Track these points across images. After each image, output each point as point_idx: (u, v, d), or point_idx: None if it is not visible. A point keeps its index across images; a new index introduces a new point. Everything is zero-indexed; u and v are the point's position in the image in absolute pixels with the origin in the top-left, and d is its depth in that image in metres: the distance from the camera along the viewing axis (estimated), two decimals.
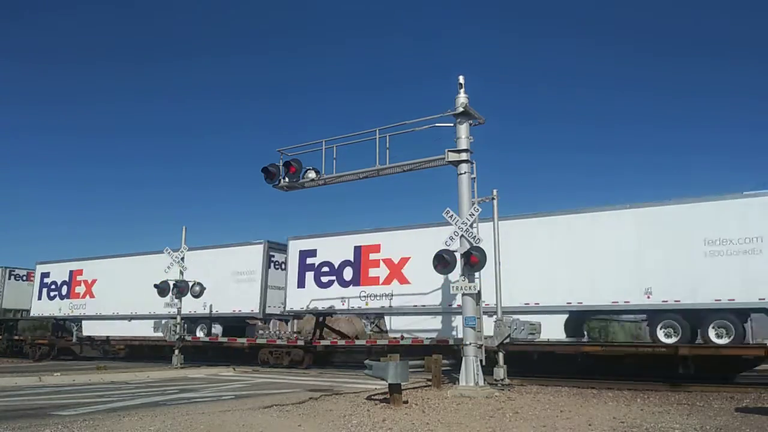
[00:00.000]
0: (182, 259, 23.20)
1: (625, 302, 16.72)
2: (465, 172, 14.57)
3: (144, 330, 26.34)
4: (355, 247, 21.52)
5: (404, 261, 20.37)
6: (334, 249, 21.89)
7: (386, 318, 21.36)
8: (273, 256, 24.62)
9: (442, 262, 14.44)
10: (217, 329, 25.25)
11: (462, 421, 9.71)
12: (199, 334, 25.18)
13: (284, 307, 23.24)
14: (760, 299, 15.09)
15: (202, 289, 23.32)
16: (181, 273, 23.24)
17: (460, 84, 14.73)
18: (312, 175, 16.92)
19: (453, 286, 14.59)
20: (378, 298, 20.65)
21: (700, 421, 9.53)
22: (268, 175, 17.39)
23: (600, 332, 18.70)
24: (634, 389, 14.28)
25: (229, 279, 24.63)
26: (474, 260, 13.96)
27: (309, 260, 22.69)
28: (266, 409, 10.78)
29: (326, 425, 9.24)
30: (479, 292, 14.36)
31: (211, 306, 24.68)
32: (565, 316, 17.68)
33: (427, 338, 18.87)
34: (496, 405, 11.58)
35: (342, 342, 22.69)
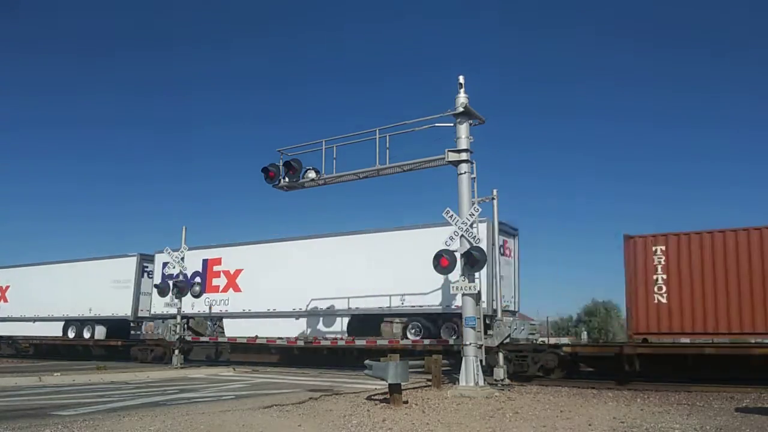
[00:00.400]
0: (182, 259, 23.22)
1: (386, 307, 20.11)
2: (465, 172, 14.57)
3: (52, 331, 29.90)
4: (203, 260, 25.06)
5: (238, 272, 24.08)
6: (188, 261, 24.04)
7: (224, 321, 24.41)
8: (146, 266, 27.89)
9: (442, 261, 14.42)
10: (100, 331, 28.62)
11: (462, 421, 9.71)
12: (86, 335, 28.74)
13: (149, 311, 26.67)
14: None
15: (202, 289, 23.41)
16: (181, 273, 23.27)
17: (460, 84, 14.72)
18: (312, 175, 16.93)
19: (453, 286, 14.59)
20: (218, 303, 24.32)
21: (700, 421, 9.52)
22: (268, 175, 17.40)
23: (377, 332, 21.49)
24: (634, 389, 14.29)
25: (110, 286, 27.94)
26: (474, 260, 13.95)
27: (168, 271, 25.02)
28: (266, 409, 10.78)
29: (326, 425, 9.24)
30: (479, 292, 14.38)
31: (91, 308, 28.53)
32: (348, 317, 21.12)
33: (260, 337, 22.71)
34: (496, 405, 11.58)
35: (205, 339, 25.50)
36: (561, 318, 55.13)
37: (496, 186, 16.28)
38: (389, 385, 11.48)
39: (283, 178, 17.31)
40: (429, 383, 14.66)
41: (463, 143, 14.66)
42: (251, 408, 10.98)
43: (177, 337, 23.16)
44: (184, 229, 23.65)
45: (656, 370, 15.87)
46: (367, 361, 12.25)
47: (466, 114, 14.68)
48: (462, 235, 14.23)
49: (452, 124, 14.86)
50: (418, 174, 16.46)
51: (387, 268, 20.33)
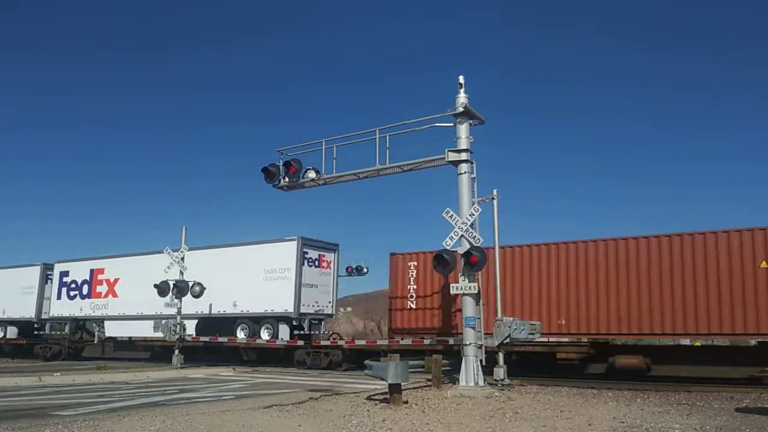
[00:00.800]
0: (182, 259, 23.22)
1: (223, 311, 24.29)
2: (465, 172, 14.56)
3: None
4: (90, 270, 29.55)
5: (116, 281, 28.49)
6: (79, 270, 29.74)
7: (105, 322, 28.64)
8: (50, 274, 31.72)
9: (442, 262, 14.43)
10: (12, 330, 32.68)
11: (462, 421, 9.71)
12: (0, 334, 32.81)
13: (49, 314, 30.85)
14: (285, 310, 22.66)
15: (202, 289, 23.42)
16: (181, 273, 23.27)
17: (460, 84, 14.71)
18: (312, 175, 16.91)
19: (453, 286, 14.59)
20: (101, 307, 28.63)
21: (700, 421, 9.53)
22: (268, 175, 17.39)
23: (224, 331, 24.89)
24: (634, 389, 14.30)
25: (19, 292, 31.91)
26: (474, 260, 13.95)
27: (65, 279, 30.58)
28: (266, 409, 10.78)
29: (326, 425, 9.24)
30: (479, 292, 14.37)
31: (5, 311, 32.60)
32: (196, 320, 24.83)
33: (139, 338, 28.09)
34: (496, 405, 11.58)
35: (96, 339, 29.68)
36: None
37: (496, 186, 16.31)
38: (389, 385, 11.48)
39: (283, 178, 17.29)
40: (429, 383, 14.66)
41: (463, 143, 14.65)
42: (251, 408, 10.98)
43: (177, 337, 23.15)
44: (183, 229, 23.72)
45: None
46: (367, 361, 12.25)
47: (466, 114, 14.68)
48: (462, 235, 14.22)
49: (452, 124, 14.86)
50: (417, 174, 16.46)
51: (224, 277, 24.11)
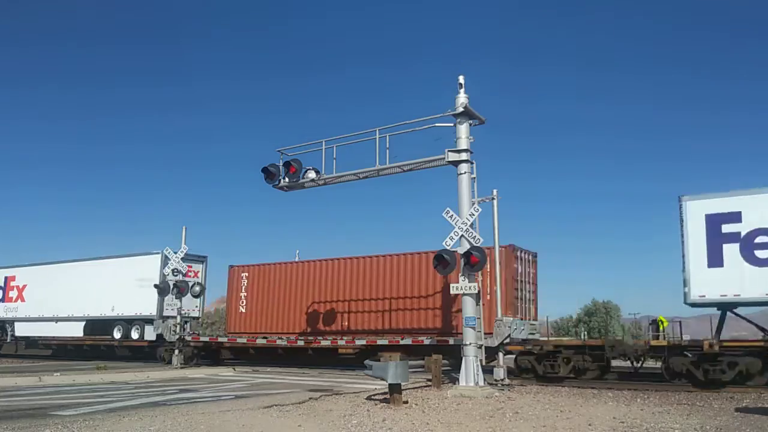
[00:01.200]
0: (182, 259, 23.21)
1: (101, 315, 27.91)
2: (465, 172, 14.56)
3: None
4: (5, 277, 33.41)
5: (24, 287, 32.15)
6: None
7: (15, 324, 32.28)
8: None
9: (443, 262, 14.43)
10: None
11: (462, 421, 9.70)
12: None
13: None
14: (151, 313, 25.91)
15: (202, 289, 23.47)
16: (182, 274, 23.26)
17: (460, 84, 14.71)
18: (312, 175, 16.90)
19: (453, 286, 14.59)
20: (12, 310, 32.43)
21: (700, 421, 9.53)
22: (268, 175, 17.38)
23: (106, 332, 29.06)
24: (634, 389, 14.30)
25: None
26: (474, 260, 13.95)
27: None
28: (266, 409, 10.77)
29: (326, 425, 9.24)
30: (479, 292, 14.37)
31: None
32: (84, 322, 28.65)
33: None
34: (496, 405, 11.58)
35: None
36: (561, 318, 55.24)
37: (498, 186, 16.33)
38: (389, 385, 11.47)
39: (283, 178, 17.28)
40: (429, 383, 14.66)
41: (463, 143, 14.65)
42: (251, 408, 10.98)
43: (177, 337, 23.15)
44: (183, 229, 23.79)
45: (240, 355, 25.86)
46: (367, 361, 12.24)
47: (466, 114, 14.68)
48: (462, 235, 14.22)
49: (452, 124, 14.86)
50: (417, 174, 16.47)
51: (105, 285, 27.91)
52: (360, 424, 9.20)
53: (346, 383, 16.23)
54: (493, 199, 15.85)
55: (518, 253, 19.56)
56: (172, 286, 23.01)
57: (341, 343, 21.20)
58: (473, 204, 14.48)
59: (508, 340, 15.37)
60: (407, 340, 19.28)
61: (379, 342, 19.76)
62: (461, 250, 14.21)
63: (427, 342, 18.61)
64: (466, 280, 14.12)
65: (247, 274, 24.71)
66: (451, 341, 17.23)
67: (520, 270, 19.44)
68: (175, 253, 23.19)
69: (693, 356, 14.80)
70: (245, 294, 24.59)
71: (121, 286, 27.26)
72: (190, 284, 23.21)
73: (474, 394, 12.92)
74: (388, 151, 15.70)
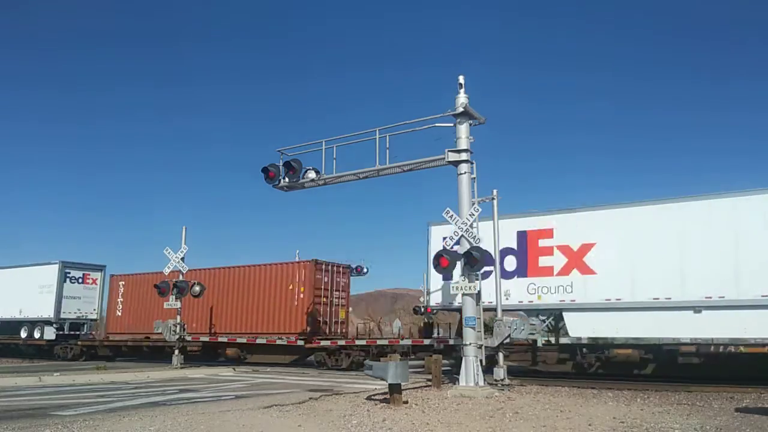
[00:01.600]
0: (182, 259, 23.20)
1: (11, 317, 31.96)
2: (465, 172, 14.56)
3: None
4: None
5: None
6: None
7: None
8: None
9: (442, 261, 14.39)
10: None
11: (462, 421, 9.70)
12: None
13: None
14: (49, 316, 29.92)
15: (203, 289, 23.44)
16: (182, 273, 23.24)
17: (460, 84, 14.71)
18: (312, 175, 16.89)
19: (453, 286, 14.58)
20: None
21: (700, 421, 9.53)
22: (268, 176, 17.37)
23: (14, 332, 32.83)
24: (634, 389, 14.30)
25: None
26: (474, 260, 13.93)
27: None
28: (266, 409, 10.78)
29: (326, 425, 9.24)
30: (479, 292, 14.35)
31: None
32: None
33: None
34: (496, 405, 11.58)
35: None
36: None
37: (497, 186, 16.32)
38: (389, 385, 11.47)
39: (283, 178, 17.27)
40: (429, 383, 14.66)
41: (463, 143, 14.65)
42: (251, 408, 10.98)
43: (177, 337, 23.14)
44: (183, 229, 23.74)
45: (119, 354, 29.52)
46: (366, 361, 12.25)
47: (466, 114, 14.67)
48: (462, 235, 14.21)
49: (452, 124, 14.85)
50: (417, 174, 16.47)
51: (14, 290, 31.57)
52: (360, 424, 9.20)
53: (346, 383, 16.23)
54: (493, 199, 15.84)
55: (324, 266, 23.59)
56: (171, 286, 22.99)
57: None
58: (473, 204, 14.47)
59: (508, 340, 15.34)
60: (242, 339, 23.75)
61: (203, 339, 24.61)
62: (461, 250, 14.20)
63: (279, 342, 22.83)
64: (466, 280, 14.11)
65: (123, 282, 29.47)
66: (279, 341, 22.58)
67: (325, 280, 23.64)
68: (175, 253, 23.18)
69: None
70: (121, 300, 29.44)
71: (26, 292, 31.07)
72: (190, 284, 23.16)
73: (474, 394, 12.91)
74: (388, 151, 15.69)
